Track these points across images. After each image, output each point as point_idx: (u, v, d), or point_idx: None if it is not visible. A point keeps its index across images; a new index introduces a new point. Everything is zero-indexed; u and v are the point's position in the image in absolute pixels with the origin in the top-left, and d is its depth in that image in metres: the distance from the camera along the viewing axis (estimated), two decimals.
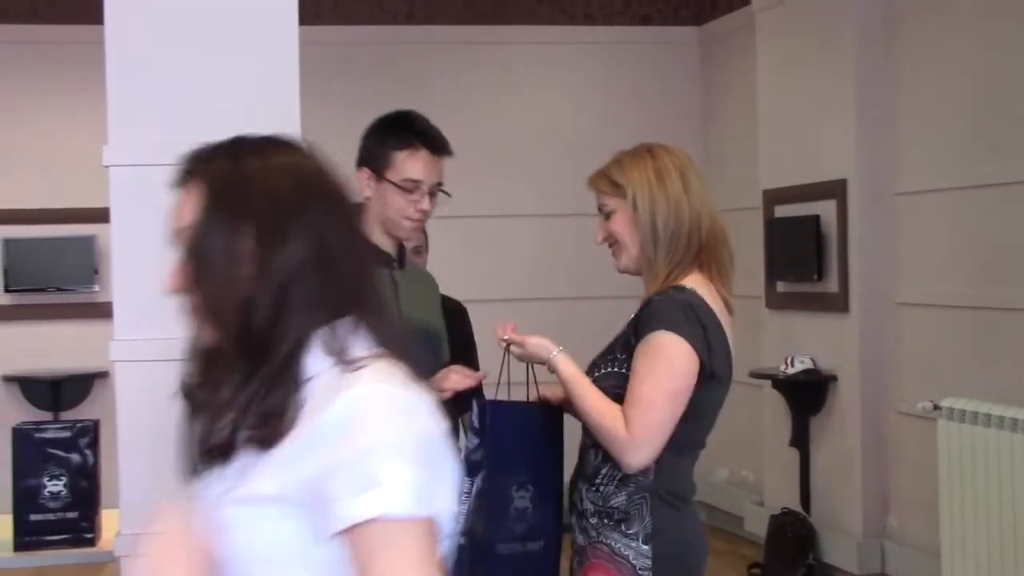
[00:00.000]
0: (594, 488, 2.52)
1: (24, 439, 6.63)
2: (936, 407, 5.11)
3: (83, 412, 7.25)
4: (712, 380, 2.48)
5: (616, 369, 2.50)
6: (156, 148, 2.95)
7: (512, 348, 2.59)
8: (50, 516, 6.35)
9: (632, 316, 2.55)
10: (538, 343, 2.58)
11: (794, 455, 6.19)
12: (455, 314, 3.76)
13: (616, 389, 2.48)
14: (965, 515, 4.84)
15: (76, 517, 6.54)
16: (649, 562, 2.45)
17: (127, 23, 2.97)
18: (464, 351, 3.67)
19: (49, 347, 7.31)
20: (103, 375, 7.20)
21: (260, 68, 3.00)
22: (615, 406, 2.45)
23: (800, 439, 6.15)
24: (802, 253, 6.13)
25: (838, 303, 5.93)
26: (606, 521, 2.49)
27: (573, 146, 7.47)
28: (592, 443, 2.54)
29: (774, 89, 6.51)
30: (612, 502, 2.48)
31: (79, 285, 7.35)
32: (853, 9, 5.83)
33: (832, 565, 5.96)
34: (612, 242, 2.60)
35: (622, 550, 2.48)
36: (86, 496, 6.61)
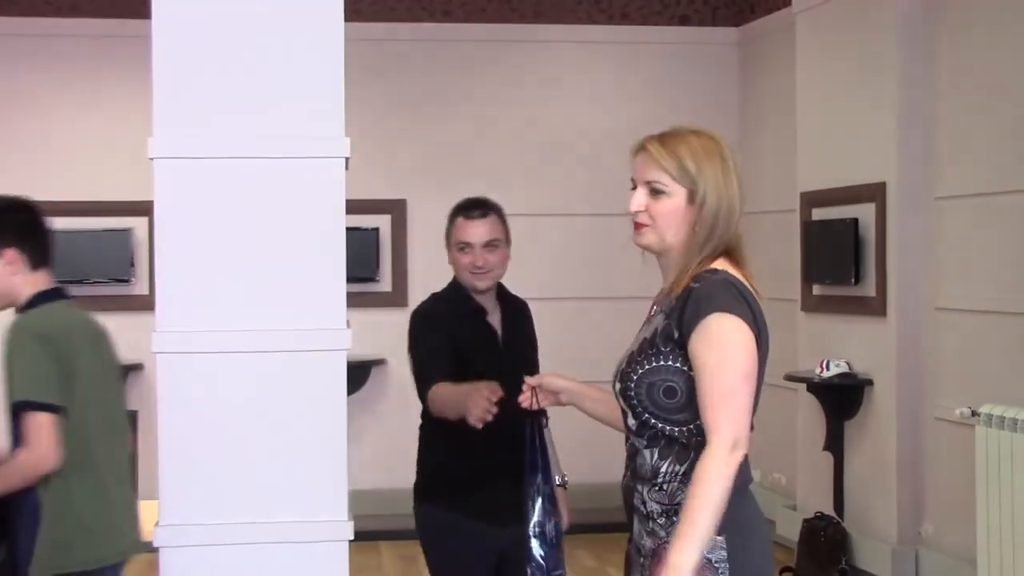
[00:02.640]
0: (657, 488, 2.46)
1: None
2: (974, 413, 5.07)
3: None
4: (762, 357, 2.45)
5: (663, 363, 2.44)
6: (201, 141, 2.97)
7: None
8: None
9: (669, 307, 2.47)
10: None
11: (827, 459, 6.16)
12: (519, 312, 3.85)
13: (667, 382, 2.42)
14: (1003, 523, 4.80)
15: None
16: (725, 553, 2.40)
17: (174, 18, 2.98)
18: (525, 349, 3.78)
19: None
20: (138, 367, 7.25)
21: (305, 64, 3.01)
22: (694, 478, 2.34)
23: (834, 443, 6.12)
24: (840, 256, 6.09)
25: (875, 307, 5.89)
26: (675, 519, 2.41)
27: (610, 145, 7.47)
28: (646, 444, 2.47)
29: (813, 91, 6.48)
30: (679, 499, 2.42)
31: (115, 278, 7.39)
32: (894, 11, 5.79)
33: (865, 571, 5.93)
34: (646, 221, 2.51)
35: None
36: None
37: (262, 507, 2.95)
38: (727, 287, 2.42)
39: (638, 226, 2.52)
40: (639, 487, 2.49)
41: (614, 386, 2.56)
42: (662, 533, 2.45)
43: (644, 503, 2.48)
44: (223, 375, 2.94)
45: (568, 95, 7.69)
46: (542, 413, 2.93)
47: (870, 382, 5.95)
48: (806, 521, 6.11)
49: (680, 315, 2.42)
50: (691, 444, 2.43)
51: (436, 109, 7.52)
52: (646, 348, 2.47)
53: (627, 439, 2.55)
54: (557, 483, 3.03)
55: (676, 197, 2.48)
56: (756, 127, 7.54)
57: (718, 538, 2.40)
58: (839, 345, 6.15)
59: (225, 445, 2.95)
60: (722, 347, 2.37)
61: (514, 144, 7.54)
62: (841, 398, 6.05)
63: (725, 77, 7.77)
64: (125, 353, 7.03)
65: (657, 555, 2.44)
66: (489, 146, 7.45)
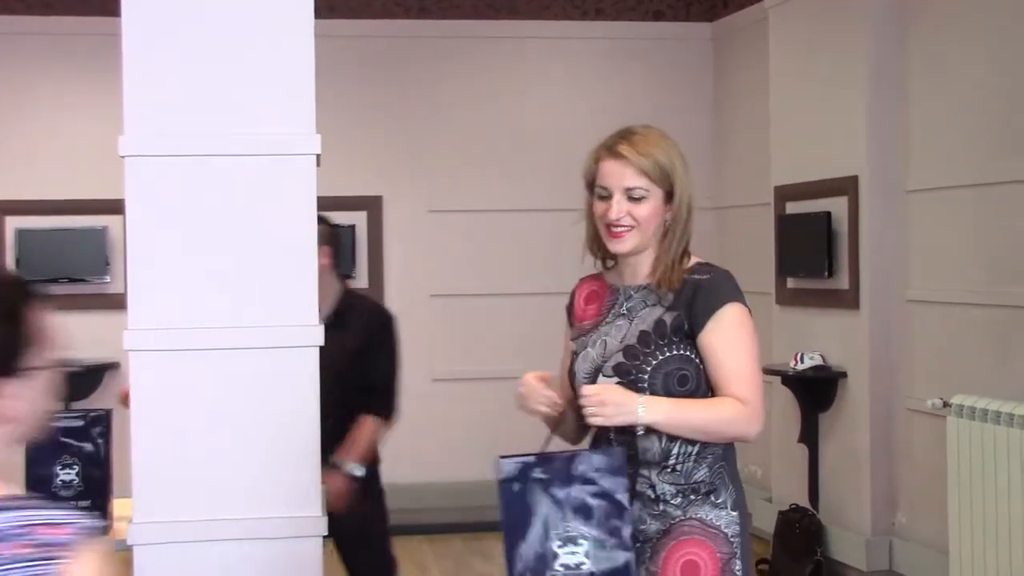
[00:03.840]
0: (669, 469, 2.52)
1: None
2: (946, 404, 5.11)
3: (93, 403, 7.26)
4: None
5: (675, 352, 2.51)
6: (171, 139, 2.97)
7: (592, 416, 2.45)
8: (63, 505, 6.41)
9: (666, 301, 2.53)
10: (618, 405, 2.44)
11: (803, 451, 6.20)
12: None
13: (681, 370, 2.50)
14: (974, 512, 4.85)
15: (88, 506, 6.56)
16: (738, 527, 2.53)
17: (144, 16, 2.98)
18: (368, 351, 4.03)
19: (59, 338, 7.33)
20: (114, 366, 7.24)
21: (276, 61, 3.01)
22: (721, 399, 2.50)
23: (809, 435, 6.16)
24: (813, 249, 6.13)
25: (849, 300, 5.93)
26: (693, 497, 2.51)
27: (584, 141, 7.46)
28: (644, 430, 2.49)
29: (786, 85, 6.52)
30: (696, 477, 2.51)
31: (91, 276, 7.38)
32: (866, 6, 5.83)
33: (840, 561, 5.97)
34: (629, 226, 2.53)
35: (714, 520, 2.52)
36: (98, 485, 6.64)
37: (237, 504, 2.96)
38: (731, 279, 2.56)
39: (617, 234, 2.54)
40: (644, 472, 2.53)
41: (592, 382, 2.55)
42: (677, 513, 2.52)
43: (652, 486, 2.52)
44: (196, 372, 2.95)
45: (543, 91, 7.71)
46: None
47: (844, 374, 6.00)
48: (781, 513, 6.15)
49: (689, 307, 2.50)
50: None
51: (411, 105, 7.52)
52: (652, 340, 2.52)
53: (614, 431, 2.53)
54: None
55: (655, 199, 2.53)
56: (730, 122, 7.57)
57: (733, 513, 2.53)
58: (813, 338, 6.19)
59: (199, 442, 2.96)
60: (740, 333, 2.51)
61: (489, 140, 7.55)
62: (815, 390, 6.10)
63: (699, 72, 7.80)
64: (102, 352, 7.13)
65: (672, 533, 2.51)
66: (465, 142, 7.46)
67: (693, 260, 2.58)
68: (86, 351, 7.26)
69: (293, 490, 2.97)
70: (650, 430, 2.49)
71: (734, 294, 2.53)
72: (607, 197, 2.55)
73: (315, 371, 2.97)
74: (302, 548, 2.96)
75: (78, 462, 6.66)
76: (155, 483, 2.95)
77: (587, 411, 2.44)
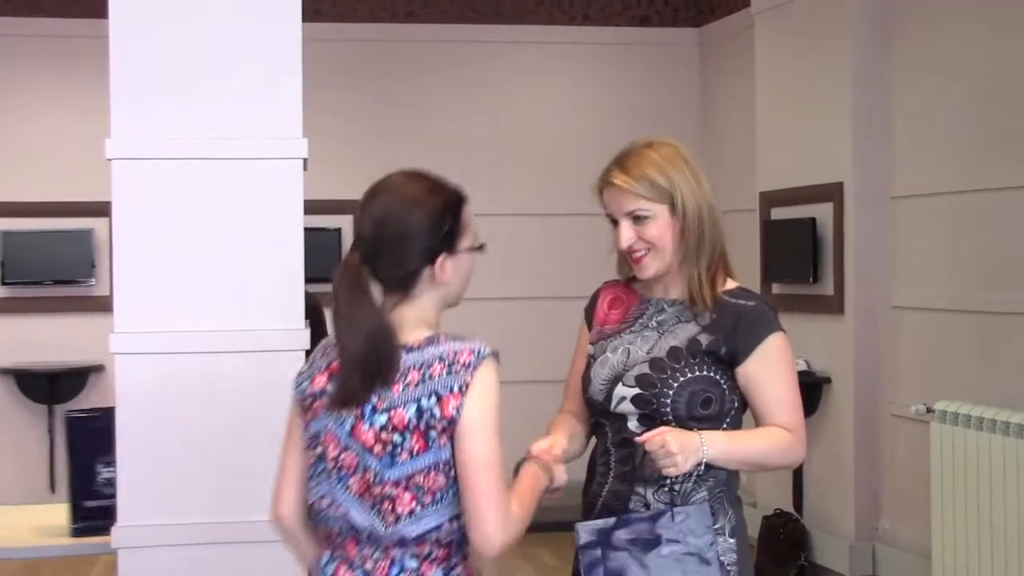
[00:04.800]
0: (666, 488, 2.43)
1: (78, 427, 6.67)
2: (929, 410, 5.14)
3: (79, 405, 7.26)
4: None
5: (701, 372, 2.44)
6: (158, 142, 2.97)
7: (665, 468, 2.36)
8: (104, 502, 6.40)
9: (702, 320, 2.47)
10: (684, 450, 2.35)
11: None
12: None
13: (706, 392, 2.43)
14: (956, 518, 4.87)
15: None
16: (735, 556, 2.43)
17: (131, 19, 2.98)
18: None
19: (46, 340, 7.33)
20: (99, 368, 7.22)
21: (263, 64, 3.02)
22: (768, 428, 2.47)
23: None
24: (798, 255, 6.15)
25: (833, 306, 5.96)
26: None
27: (571, 145, 7.51)
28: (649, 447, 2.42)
29: (772, 92, 6.54)
30: (694, 499, 2.43)
31: (76, 278, 7.36)
32: (851, 13, 5.86)
33: (824, 567, 5.99)
34: (644, 249, 2.48)
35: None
36: None
37: (221, 507, 2.96)
38: (772, 307, 2.54)
39: (637, 259, 2.49)
40: (639, 489, 2.45)
41: (609, 390, 2.48)
42: None
43: (647, 505, 2.44)
44: (181, 375, 2.95)
45: (529, 95, 7.72)
46: None
47: (828, 380, 6.02)
48: (766, 518, 6.17)
49: (732, 334, 2.45)
50: None
51: (398, 109, 7.53)
52: (683, 356, 2.45)
53: (614, 444, 2.49)
54: None
55: (660, 216, 2.47)
56: (717, 127, 7.60)
57: (731, 540, 2.44)
58: (798, 343, 6.14)
59: (184, 445, 2.96)
60: (784, 363, 2.50)
61: (476, 144, 7.56)
62: (800, 396, 6.10)
63: (686, 77, 7.82)
64: (87, 354, 7.11)
65: None
66: (451, 146, 7.46)
67: (732, 284, 2.54)
68: (71, 354, 7.25)
69: None
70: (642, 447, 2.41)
71: (775, 323, 2.51)
72: (617, 224, 2.51)
73: None
74: (287, 552, 2.96)
75: None
76: (140, 486, 2.95)
77: (660, 463, 2.35)
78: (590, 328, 2.64)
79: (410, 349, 2.12)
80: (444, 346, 2.11)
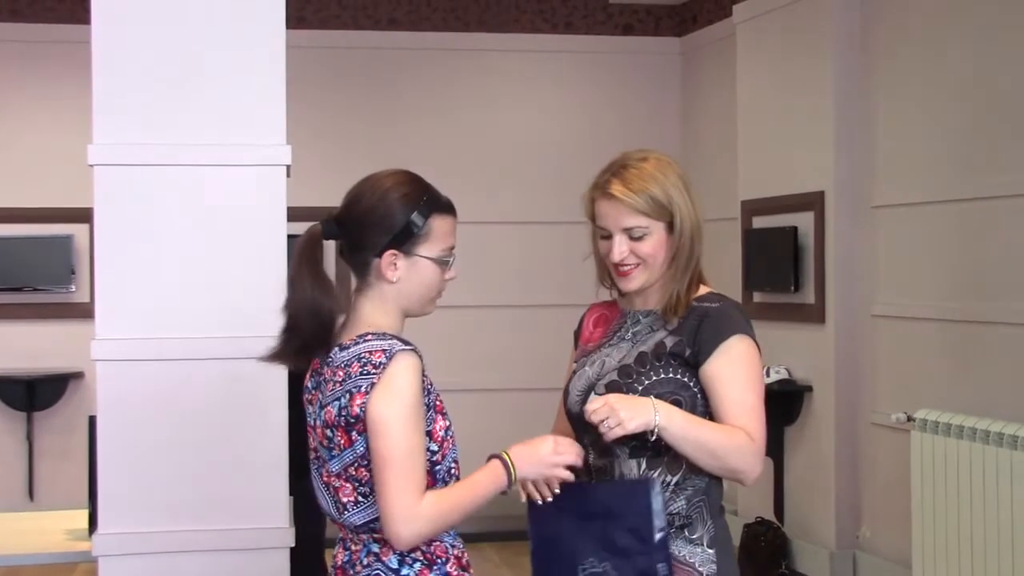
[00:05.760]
0: None
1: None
2: (910, 418, 5.16)
3: (58, 412, 7.23)
4: None
5: (669, 375, 2.40)
6: (140, 148, 2.96)
7: (609, 429, 2.30)
8: None
9: (670, 327, 2.43)
10: (631, 407, 2.30)
11: (768, 464, 6.23)
12: None
13: (674, 395, 2.38)
14: (937, 526, 4.89)
15: None
16: (715, 567, 2.39)
17: (114, 25, 2.97)
18: None
19: (24, 347, 7.29)
20: (78, 375, 7.18)
21: (247, 71, 3.01)
22: (731, 427, 2.36)
23: (775, 449, 6.19)
24: (779, 264, 6.17)
25: (814, 314, 5.97)
26: (668, 530, 2.37)
27: (553, 153, 7.52)
28: (629, 454, 2.40)
29: (754, 101, 6.56)
30: (672, 508, 2.38)
31: (55, 285, 7.32)
32: (833, 23, 5.88)
33: (805, 575, 6.00)
34: (634, 264, 2.45)
35: (687, 557, 2.39)
36: None
37: (203, 514, 2.95)
38: (741, 310, 2.46)
39: (625, 272, 2.45)
40: None
41: (584, 401, 2.43)
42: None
43: None
44: (163, 383, 2.94)
45: (512, 103, 7.73)
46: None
47: (809, 388, 6.03)
48: (747, 526, 6.17)
49: (694, 335, 2.40)
50: (683, 455, 2.38)
51: (381, 116, 7.52)
52: (648, 361, 2.42)
53: (594, 454, 2.45)
54: None
55: (656, 233, 2.43)
56: (698, 136, 7.62)
57: (709, 551, 2.40)
58: (779, 352, 6.22)
59: (165, 453, 2.95)
60: (748, 368, 2.40)
61: (458, 152, 7.56)
62: (781, 404, 6.12)
63: (668, 86, 7.84)
64: (66, 361, 7.08)
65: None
66: (434, 153, 7.45)
67: (704, 289, 2.48)
68: (50, 360, 7.21)
69: (260, 501, 2.96)
70: (633, 453, 2.39)
71: (742, 326, 2.42)
72: (608, 237, 2.46)
73: (283, 382, 2.96)
74: (269, 559, 2.95)
75: None
76: (121, 493, 2.93)
77: (602, 426, 2.29)
78: (576, 348, 2.63)
79: (343, 347, 2.19)
80: (365, 345, 2.16)
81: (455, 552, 2.26)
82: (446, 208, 2.30)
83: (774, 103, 6.37)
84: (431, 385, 2.25)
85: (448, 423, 2.26)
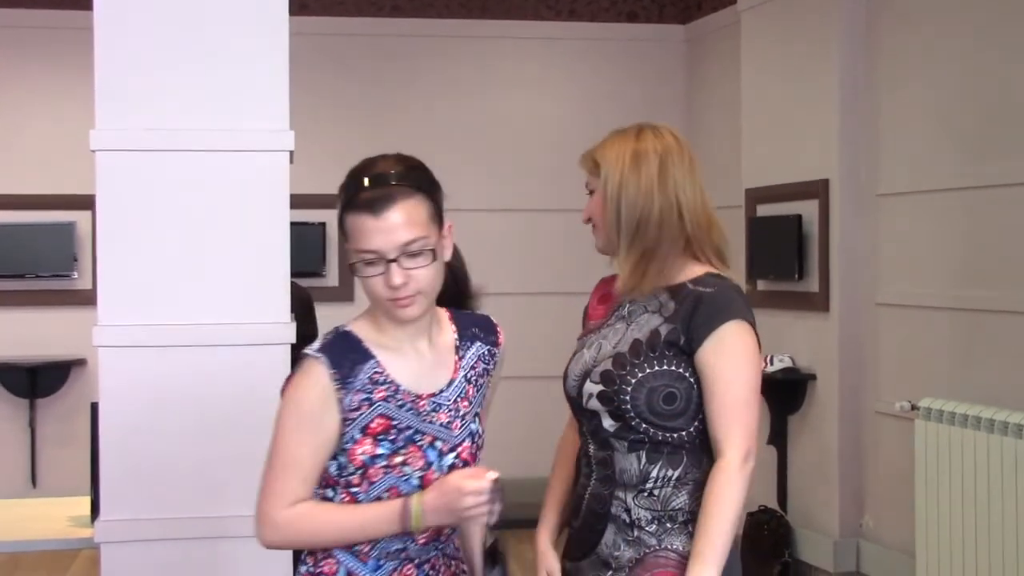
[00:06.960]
0: (646, 494, 2.34)
1: None
2: (914, 407, 5.14)
3: (60, 399, 7.23)
4: None
5: (664, 367, 2.33)
6: (143, 134, 2.95)
7: None
8: None
9: (664, 310, 2.35)
10: None
11: (772, 453, 6.22)
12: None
13: (669, 388, 2.31)
14: (940, 515, 4.88)
15: None
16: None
17: (116, 10, 2.96)
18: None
19: (27, 334, 7.28)
20: (81, 362, 7.18)
21: (250, 57, 3.00)
22: (709, 497, 2.28)
23: (778, 437, 6.18)
24: (783, 252, 6.15)
25: (818, 302, 5.96)
26: (669, 525, 2.33)
27: (557, 141, 7.49)
28: (627, 448, 2.35)
29: (758, 88, 6.54)
30: (674, 504, 2.33)
31: (58, 272, 7.31)
32: (837, 11, 5.86)
33: (808, 563, 6.00)
34: (588, 220, 2.47)
35: (690, 552, 2.31)
36: None
37: (205, 502, 2.94)
38: (738, 292, 2.37)
39: (593, 232, 2.46)
40: (619, 494, 2.37)
41: (580, 386, 2.40)
42: (652, 541, 2.35)
43: (628, 510, 2.36)
44: (166, 369, 2.93)
45: (516, 91, 7.71)
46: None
47: (813, 377, 6.02)
48: (750, 515, 6.17)
49: (688, 320, 2.32)
50: (683, 448, 2.33)
51: (384, 103, 7.51)
52: (642, 350, 2.34)
53: (593, 444, 2.42)
54: None
55: (598, 191, 2.43)
56: (702, 123, 7.59)
57: None
58: (783, 340, 6.21)
59: (168, 439, 2.94)
60: (737, 358, 2.31)
61: (462, 139, 7.55)
62: (785, 392, 6.12)
63: (672, 73, 7.82)
64: (68, 348, 7.07)
65: (645, 564, 2.34)
66: (437, 140, 7.43)
67: (702, 270, 2.38)
68: (52, 347, 7.21)
69: None
70: (632, 447, 2.34)
71: (738, 310, 2.32)
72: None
73: (286, 368, 2.96)
74: None
75: None
76: (123, 480, 2.92)
77: None
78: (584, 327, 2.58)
79: None
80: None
81: None
82: (359, 206, 2.09)
83: (779, 91, 6.35)
84: (370, 403, 2.06)
85: (385, 451, 2.06)
